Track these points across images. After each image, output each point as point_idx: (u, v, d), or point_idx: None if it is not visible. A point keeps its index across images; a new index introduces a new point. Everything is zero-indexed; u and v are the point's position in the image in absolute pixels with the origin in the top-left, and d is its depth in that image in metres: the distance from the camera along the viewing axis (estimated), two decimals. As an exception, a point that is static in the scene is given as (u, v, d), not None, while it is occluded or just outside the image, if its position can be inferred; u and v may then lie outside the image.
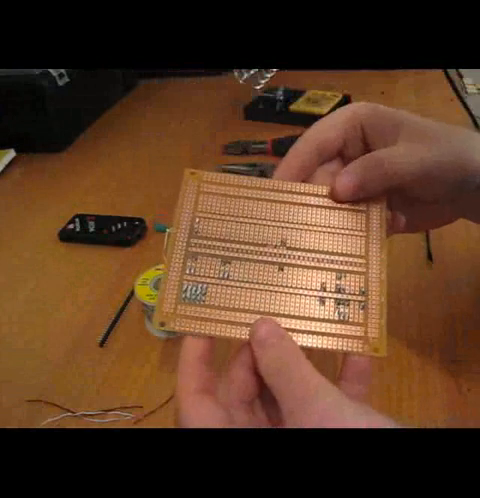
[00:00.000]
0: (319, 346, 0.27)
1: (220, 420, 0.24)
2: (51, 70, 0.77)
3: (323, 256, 0.29)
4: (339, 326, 0.28)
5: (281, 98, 0.84)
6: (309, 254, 0.29)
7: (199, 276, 0.28)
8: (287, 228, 0.30)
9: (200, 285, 0.28)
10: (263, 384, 0.26)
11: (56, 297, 0.52)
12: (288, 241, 0.29)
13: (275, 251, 0.29)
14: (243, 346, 0.27)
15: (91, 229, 0.59)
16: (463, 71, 0.96)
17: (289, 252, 0.29)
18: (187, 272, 0.28)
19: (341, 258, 0.29)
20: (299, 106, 0.82)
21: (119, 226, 0.59)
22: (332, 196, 0.30)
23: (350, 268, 0.29)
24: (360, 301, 0.28)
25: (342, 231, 0.30)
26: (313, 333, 0.27)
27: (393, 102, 0.86)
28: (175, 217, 0.30)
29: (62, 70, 0.79)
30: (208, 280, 0.28)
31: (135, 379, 0.42)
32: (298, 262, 0.29)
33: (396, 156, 0.30)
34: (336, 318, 0.28)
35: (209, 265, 0.29)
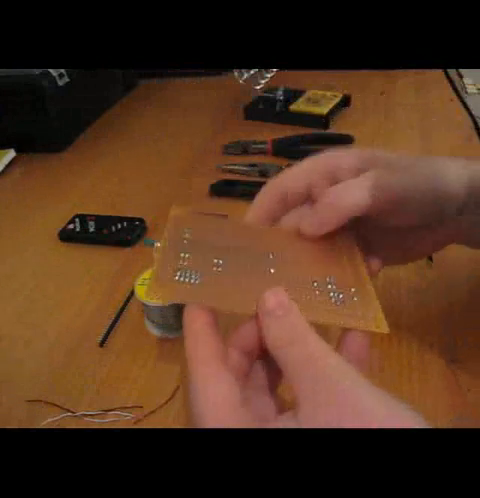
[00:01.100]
0: (323, 320, 0.27)
1: (235, 394, 0.23)
2: (51, 70, 0.77)
3: (311, 265, 0.31)
4: (338, 308, 0.28)
5: (281, 98, 0.84)
6: (298, 263, 0.31)
7: (192, 265, 0.29)
8: (273, 252, 0.31)
9: (194, 271, 0.28)
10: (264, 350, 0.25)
11: (56, 297, 0.52)
12: (277, 253, 0.31)
13: (266, 259, 0.31)
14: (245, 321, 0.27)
15: (91, 229, 0.59)
16: (463, 71, 0.96)
17: (279, 262, 0.31)
18: (180, 262, 0.29)
19: (327, 264, 0.31)
20: (299, 106, 0.82)
21: (119, 226, 0.59)
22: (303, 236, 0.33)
23: (337, 270, 0.31)
24: (351, 294, 0.29)
25: (323, 253, 0.32)
26: (315, 308, 0.28)
27: (393, 102, 0.86)
28: (164, 232, 0.31)
29: (62, 70, 0.79)
30: (202, 270, 0.29)
31: (135, 379, 0.42)
32: (288, 268, 0.30)
33: (343, 189, 0.32)
34: (333, 302, 0.29)
35: (202, 259, 0.29)
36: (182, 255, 0.29)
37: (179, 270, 0.28)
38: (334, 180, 0.33)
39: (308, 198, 0.34)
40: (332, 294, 0.29)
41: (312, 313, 0.27)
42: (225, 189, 0.64)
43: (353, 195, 0.31)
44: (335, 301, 0.29)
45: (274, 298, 0.26)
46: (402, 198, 0.31)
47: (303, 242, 0.33)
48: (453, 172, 0.32)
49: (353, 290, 0.29)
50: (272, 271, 0.30)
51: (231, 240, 0.31)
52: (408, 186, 0.31)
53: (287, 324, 0.25)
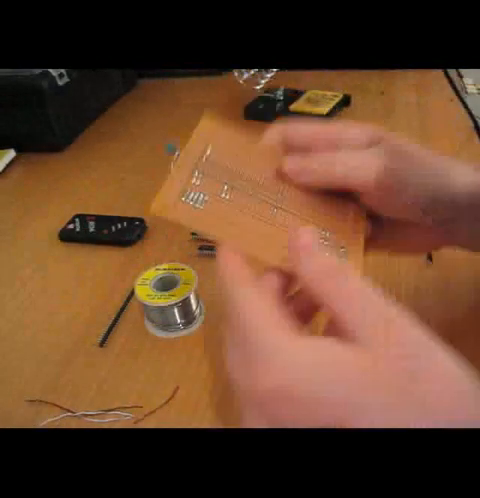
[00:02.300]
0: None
1: (277, 303, 0.23)
2: (51, 70, 0.77)
3: (314, 214, 0.31)
4: None
5: (281, 98, 0.84)
6: (302, 208, 0.31)
7: (203, 187, 0.29)
8: (288, 185, 0.32)
9: (202, 194, 0.29)
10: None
11: (56, 297, 0.52)
12: (286, 193, 0.31)
13: (273, 196, 0.31)
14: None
15: (91, 229, 0.59)
16: (463, 71, 0.96)
17: (285, 203, 0.31)
18: (193, 181, 0.29)
19: (328, 218, 0.32)
20: (299, 106, 0.82)
21: (119, 226, 0.59)
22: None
23: (335, 227, 0.31)
24: (340, 254, 0.31)
25: (333, 199, 0.32)
26: None
27: (393, 102, 0.86)
28: (187, 143, 0.31)
29: (62, 70, 0.79)
30: (210, 194, 0.29)
31: (135, 379, 0.42)
32: (291, 210, 0.31)
33: (351, 158, 0.31)
34: None
35: (213, 184, 0.30)
36: (195, 174, 0.29)
37: (188, 187, 0.29)
38: (337, 148, 0.32)
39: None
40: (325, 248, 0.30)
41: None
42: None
43: (359, 168, 0.30)
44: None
45: (309, 235, 0.26)
46: (405, 186, 0.30)
47: (318, 192, 0.32)
48: (461, 174, 0.31)
49: (342, 250, 0.30)
50: (274, 210, 0.30)
51: (248, 168, 0.31)
52: (414, 177, 0.30)
53: (325, 258, 0.24)
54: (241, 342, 0.23)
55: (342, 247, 0.31)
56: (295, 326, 0.22)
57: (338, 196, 0.32)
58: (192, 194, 0.29)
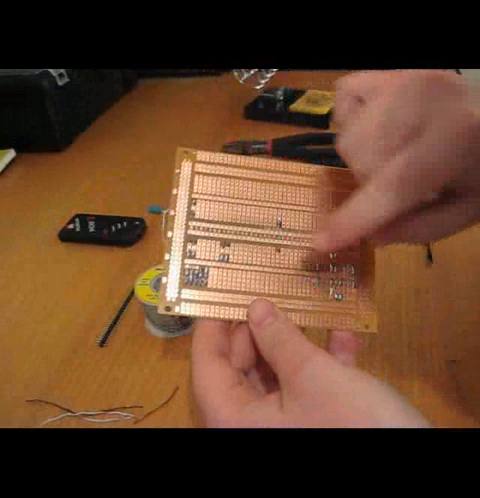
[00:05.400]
0: (314, 324, 0.29)
1: (230, 377, 0.25)
2: (51, 70, 0.77)
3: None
4: (333, 305, 0.29)
5: (281, 98, 0.84)
6: (304, 235, 0.30)
7: (200, 259, 0.29)
8: (282, 209, 0.30)
9: (201, 268, 0.29)
10: (260, 357, 0.27)
11: (56, 297, 0.52)
12: (284, 222, 0.30)
13: (272, 233, 0.30)
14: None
15: (91, 229, 0.59)
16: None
17: (285, 233, 0.30)
18: (188, 256, 0.29)
19: None
20: (299, 106, 0.82)
21: (119, 226, 0.59)
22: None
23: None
24: (352, 280, 0.30)
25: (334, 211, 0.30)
26: (308, 312, 0.29)
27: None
28: (171, 199, 0.30)
29: (62, 70, 0.79)
30: (209, 263, 0.29)
31: (135, 379, 0.42)
32: (294, 243, 0.30)
33: (356, 205, 0.26)
34: (330, 297, 0.29)
35: (209, 248, 0.29)
36: (188, 245, 0.29)
37: (187, 266, 0.28)
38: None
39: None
40: (332, 289, 0.29)
41: (308, 317, 0.29)
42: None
43: (368, 210, 0.25)
44: (332, 293, 0.29)
45: (260, 308, 0.27)
46: (444, 175, 0.25)
47: (319, 193, 0.30)
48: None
49: (354, 277, 0.30)
50: (277, 254, 0.29)
51: (238, 202, 0.30)
52: (450, 157, 0.24)
53: (273, 330, 0.26)
54: (196, 402, 0.26)
55: (354, 272, 0.30)
56: (241, 397, 0.25)
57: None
58: (191, 273, 0.28)
